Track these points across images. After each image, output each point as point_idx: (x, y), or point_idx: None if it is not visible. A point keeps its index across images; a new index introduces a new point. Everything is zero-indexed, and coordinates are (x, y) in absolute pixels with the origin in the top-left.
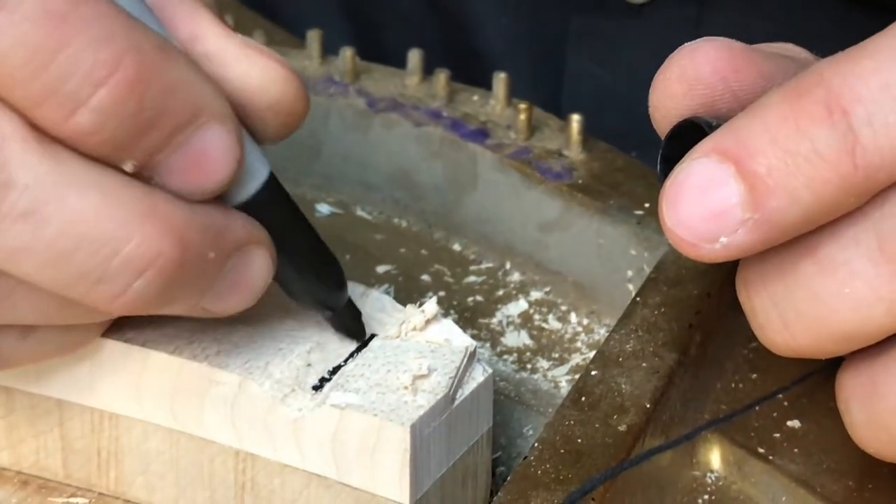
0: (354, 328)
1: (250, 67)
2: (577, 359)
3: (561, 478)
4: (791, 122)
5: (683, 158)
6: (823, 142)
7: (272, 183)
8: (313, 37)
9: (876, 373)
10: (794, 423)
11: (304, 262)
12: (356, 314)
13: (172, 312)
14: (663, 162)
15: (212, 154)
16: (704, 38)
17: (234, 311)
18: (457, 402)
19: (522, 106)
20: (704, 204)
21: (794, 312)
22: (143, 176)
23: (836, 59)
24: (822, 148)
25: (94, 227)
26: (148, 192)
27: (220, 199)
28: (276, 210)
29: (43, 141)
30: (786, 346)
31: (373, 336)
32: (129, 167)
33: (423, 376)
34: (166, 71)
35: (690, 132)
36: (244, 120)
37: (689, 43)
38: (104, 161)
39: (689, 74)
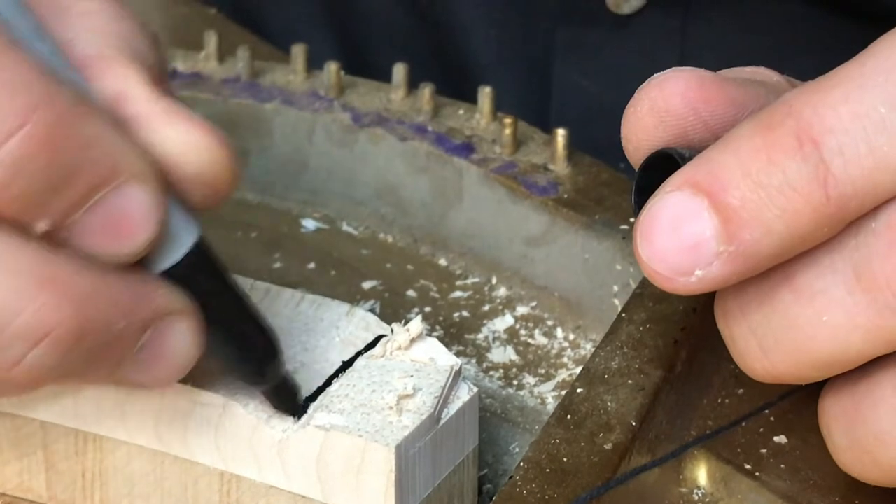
0: (289, 405)
1: (175, 133)
2: (563, 374)
3: (546, 497)
4: (763, 153)
5: (657, 191)
6: (795, 173)
7: (199, 250)
8: (298, 51)
9: (857, 398)
10: (780, 439)
11: (233, 335)
12: (292, 390)
13: (88, 384)
14: (637, 193)
15: (130, 215)
16: (674, 68)
17: (159, 386)
18: (442, 422)
19: (507, 120)
20: (679, 237)
21: (773, 340)
22: (56, 238)
23: (805, 89)
24: (794, 179)
25: None
26: (48, 258)
27: (141, 265)
28: (202, 279)
29: None
30: (766, 373)
31: (358, 354)
32: (41, 228)
33: (408, 396)
34: (83, 126)
35: (664, 163)
36: (171, 186)
37: (658, 74)
38: (13, 222)
39: (660, 106)
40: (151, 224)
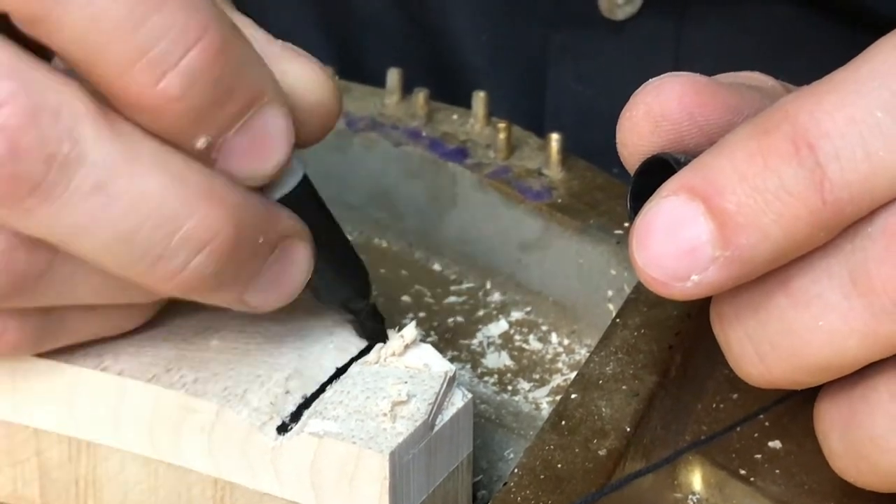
0: (376, 331)
1: (292, 69)
2: (557, 380)
3: None
4: (758, 158)
5: (652, 197)
6: (791, 178)
7: (307, 182)
8: None
9: (853, 403)
10: (775, 444)
11: (335, 263)
12: (378, 318)
13: (218, 302)
14: (633, 199)
15: (271, 135)
16: (669, 73)
17: (272, 307)
18: (436, 429)
19: (502, 125)
20: (674, 242)
21: (769, 345)
22: (206, 158)
23: (801, 93)
24: (791, 184)
25: (159, 204)
26: (208, 173)
27: (262, 191)
28: (311, 209)
29: (113, 121)
30: (761, 378)
31: (352, 361)
32: (202, 143)
33: (402, 402)
34: (241, 46)
35: (659, 168)
36: None
37: (653, 79)
38: (179, 139)
39: (655, 111)
40: (286, 145)
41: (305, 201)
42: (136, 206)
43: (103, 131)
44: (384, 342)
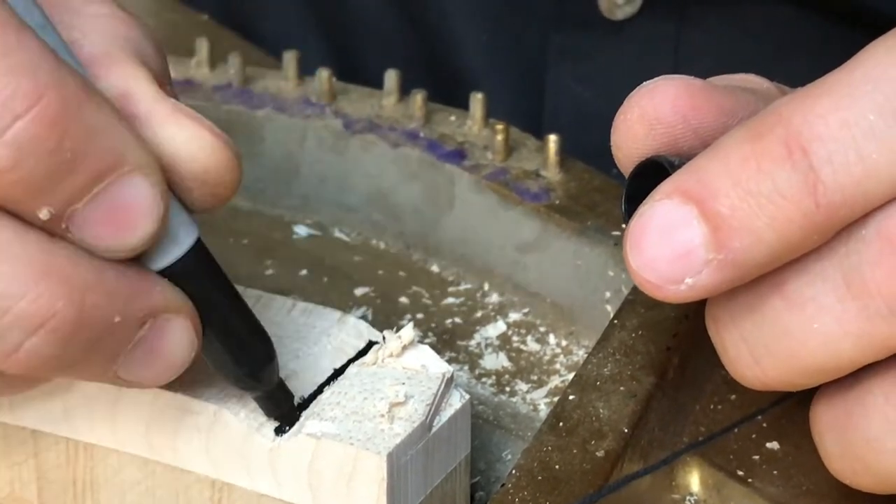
0: (284, 412)
1: (179, 132)
2: (555, 381)
3: None
4: (752, 162)
5: (646, 199)
6: (785, 181)
7: (198, 250)
8: (290, 58)
9: (849, 405)
10: (773, 445)
11: (230, 338)
12: (287, 397)
13: (84, 379)
14: (627, 202)
15: (133, 207)
16: (663, 76)
17: (154, 384)
18: (434, 430)
19: (499, 126)
20: (668, 245)
21: (764, 348)
22: (57, 229)
23: (794, 97)
24: (784, 187)
25: None
26: (48, 247)
27: (139, 262)
28: (202, 280)
29: None
30: (757, 380)
31: (349, 362)
32: (44, 215)
33: (399, 404)
34: (90, 112)
35: (654, 171)
36: (172, 186)
37: (647, 82)
38: (18, 210)
39: (650, 114)
40: (154, 217)
41: (195, 272)
42: None
43: None
44: (290, 423)
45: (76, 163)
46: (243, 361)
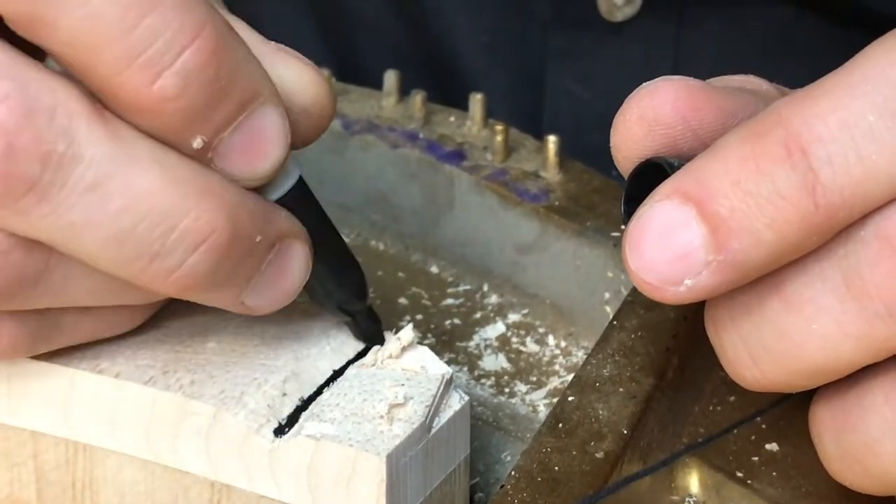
0: (372, 333)
1: (287, 70)
2: (555, 382)
3: None
4: (751, 163)
5: (645, 201)
6: (784, 182)
7: (303, 184)
8: None
9: (847, 406)
10: (772, 447)
11: (332, 265)
12: (375, 319)
13: (216, 303)
14: (627, 203)
15: (267, 135)
16: (663, 77)
17: (270, 309)
18: (433, 431)
19: (499, 127)
20: (667, 247)
21: (763, 349)
22: (204, 159)
23: (794, 98)
24: (783, 188)
25: (155, 202)
26: (204, 171)
27: (259, 193)
28: (307, 211)
29: (108, 120)
30: (755, 381)
31: (349, 363)
32: (197, 143)
33: (399, 405)
34: (236, 46)
35: (653, 172)
36: None
37: (647, 83)
38: (175, 140)
39: (649, 115)
40: (283, 145)
41: (302, 203)
42: (131, 205)
43: (98, 131)
44: (381, 344)
45: (227, 92)
46: (346, 282)
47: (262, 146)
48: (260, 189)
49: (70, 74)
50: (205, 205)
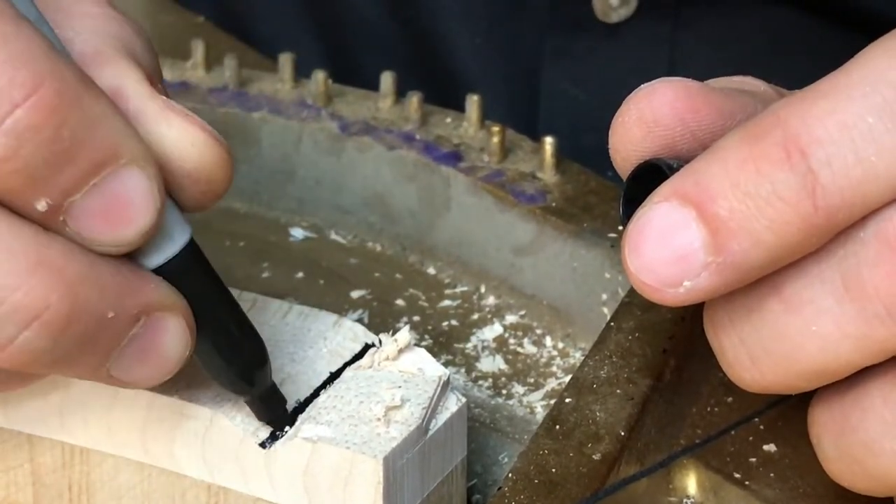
0: (276, 415)
1: (170, 130)
2: (552, 383)
3: None
4: (750, 164)
5: (644, 202)
6: (783, 184)
7: (191, 249)
8: (285, 60)
9: (846, 407)
10: (769, 448)
11: (222, 338)
12: (279, 400)
13: (77, 377)
14: (625, 204)
15: (130, 200)
16: (661, 78)
17: (148, 384)
18: (430, 433)
19: (495, 128)
20: (667, 248)
21: (762, 350)
22: (53, 222)
23: (792, 99)
24: (783, 190)
25: None
26: (42, 241)
27: (133, 259)
28: (194, 279)
29: None
30: (755, 383)
31: (345, 365)
32: (41, 206)
33: (395, 407)
34: (87, 102)
35: (652, 174)
36: (164, 184)
37: (645, 84)
38: (14, 202)
39: (648, 117)
40: (150, 211)
41: (187, 270)
42: None
43: None
44: (281, 427)
45: (74, 153)
46: (235, 363)
47: (123, 211)
48: (135, 255)
49: None
50: (36, 279)
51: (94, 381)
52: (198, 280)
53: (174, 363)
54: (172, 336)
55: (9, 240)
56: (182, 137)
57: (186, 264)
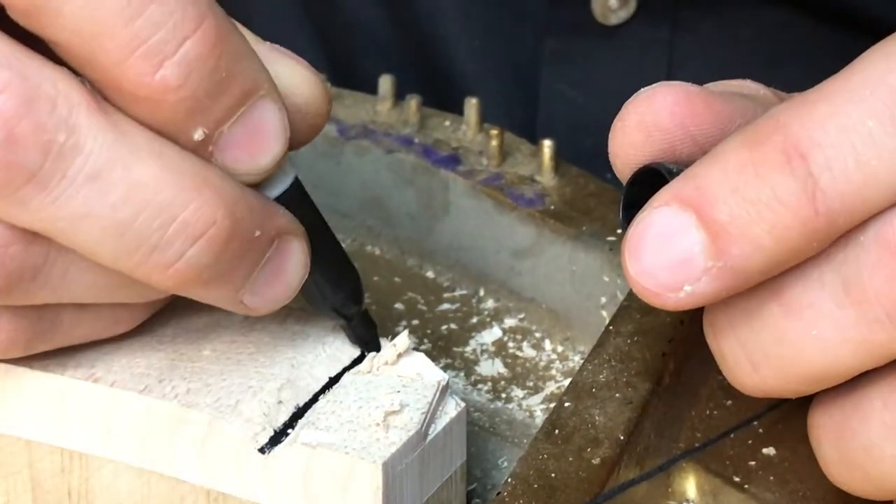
0: (368, 338)
1: (283, 68)
2: (551, 387)
3: None
4: (750, 169)
5: (644, 207)
6: (783, 188)
7: (299, 184)
8: None
9: (846, 411)
10: (769, 451)
11: (329, 267)
12: (371, 324)
13: (215, 300)
14: (625, 209)
15: (267, 129)
16: (660, 83)
17: (269, 308)
18: (429, 438)
19: (494, 131)
20: (667, 253)
21: (762, 354)
22: (204, 152)
23: (792, 103)
24: (783, 194)
25: (155, 194)
26: (204, 164)
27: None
28: (304, 211)
29: (109, 111)
30: (755, 387)
31: (344, 370)
32: (198, 135)
33: (394, 412)
34: (236, 38)
35: (651, 178)
36: None
37: (644, 88)
38: (176, 132)
39: (647, 121)
40: (282, 140)
41: (299, 203)
42: (131, 196)
43: (99, 122)
44: (377, 349)
45: (228, 84)
46: (342, 285)
47: (261, 140)
48: (258, 186)
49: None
50: (204, 197)
51: (225, 305)
52: (307, 211)
53: (296, 285)
54: (297, 259)
55: (178, 161)
56: (294, 74)
57: (298, 197)
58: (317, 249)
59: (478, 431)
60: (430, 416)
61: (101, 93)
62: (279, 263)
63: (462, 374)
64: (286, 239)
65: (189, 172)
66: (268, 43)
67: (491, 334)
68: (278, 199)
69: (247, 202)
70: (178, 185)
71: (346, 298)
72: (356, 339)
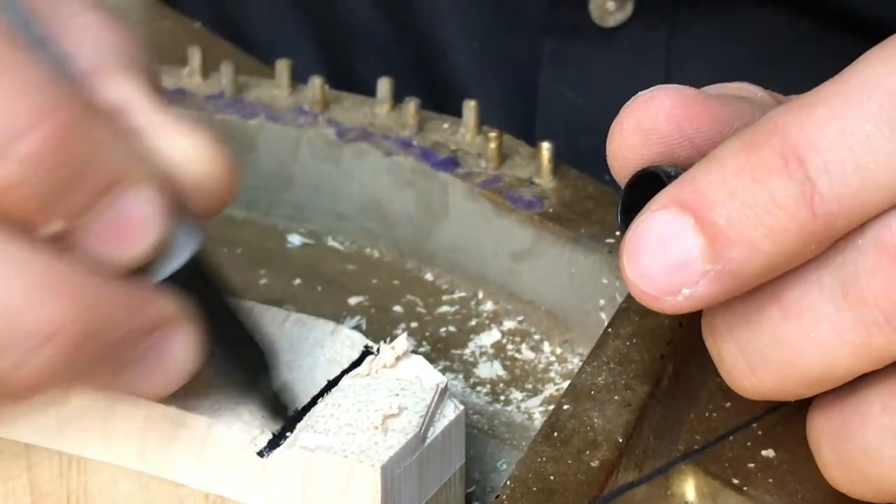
0: (277, 421)
1: (179, 142)
2: (550, 389)
3: None
4: (748, 172)
5: (642, 210)
6: (781, 192)
7: (198, 259)
8: (282, 66)
9: (845, 413)
10: (768, 453)
11: (230, 345)
12: (282, 406)
13: (89, 390)
14: (623, 212)
15: (135, 219)
16: (658, 86)
17: (158, 395)
18: (428, 441)
19: (493, 134)
20: (665, 256)
21: (761, 357)
22: (63, 243)
23: (790, 106)
24: (781, 198)
25: None
26: (55, 262)
27: (142, 274)
28: (202, 289)
29: None
30: (754, 390)
31: (343, 373)
32: (53, 228)
33: (393, 415)
34: (93, 128)
35: (650, 181)
36: (173, 196)
37: (642, 92)
38: (23, 224)
39: (645, 124)
40: (155, 229)
41: (194, 280)
42: None
43: None
44: (285, 433)
45: (83, 177)
46: (242, 368)
47: (128, 231)
48: (144, 267)
49: None
50: (53, 299)
51: (109, 393)
52: (206, 290)
53: (185, 373)
54: (182, 348)
55: (22, 261)
56: (190, 149)
57: (194, 274)
58: (215, 329)
59: (476, 434)
60: (429, 418)
61: None
62: (160, 354)
63: (461, 376)
64: (168, 328)
65: (34, 272)
66: (166, 111)
67: (490, 336)
68: (168, 279)
69: (111, 299)
70: (22, 287)
71: (248, 378)
72: (264, 420)
